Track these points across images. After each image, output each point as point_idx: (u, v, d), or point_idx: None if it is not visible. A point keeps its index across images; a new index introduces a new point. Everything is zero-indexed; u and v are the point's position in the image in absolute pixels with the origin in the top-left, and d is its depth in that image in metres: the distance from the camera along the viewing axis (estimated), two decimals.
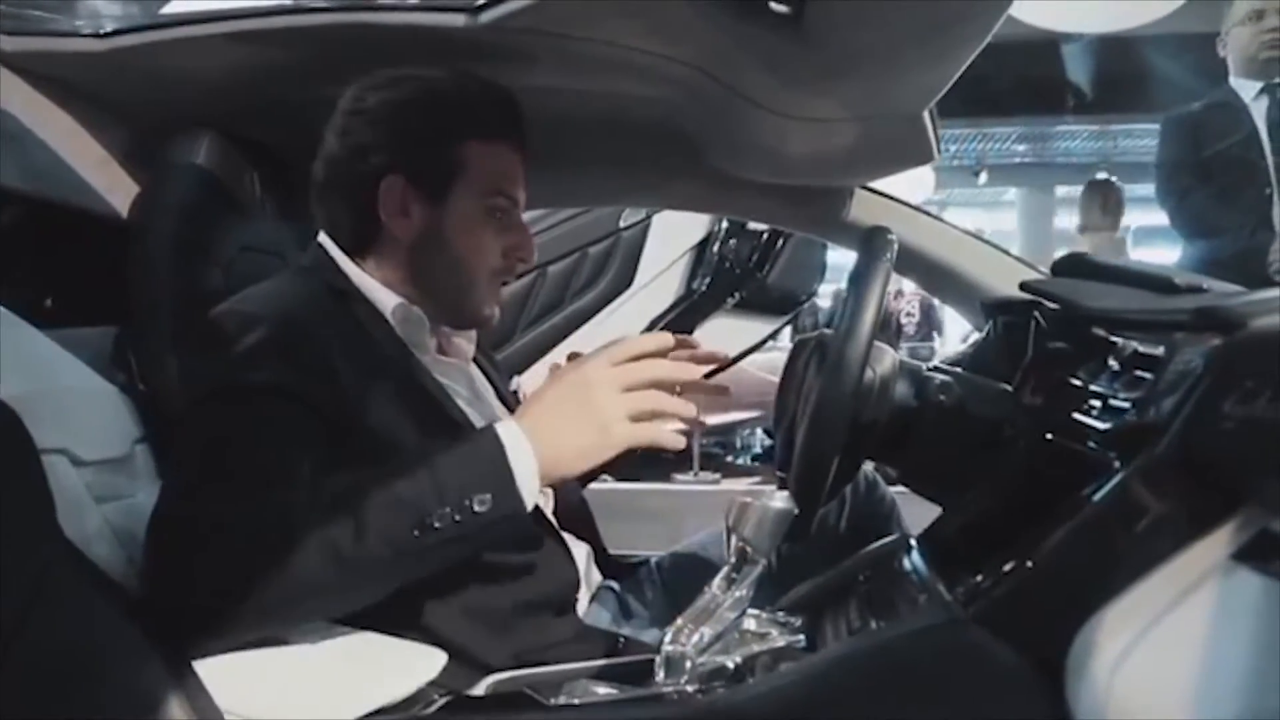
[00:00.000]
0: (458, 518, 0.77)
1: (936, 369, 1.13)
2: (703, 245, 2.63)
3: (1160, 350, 0.82)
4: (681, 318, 2.63)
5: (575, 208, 2.40)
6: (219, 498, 0.78)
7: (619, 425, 0.82)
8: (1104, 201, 3.75)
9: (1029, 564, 0.77)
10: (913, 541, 1.05)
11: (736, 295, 2.69)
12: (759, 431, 3.52)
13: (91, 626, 0.67)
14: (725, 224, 2.62)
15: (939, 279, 1.53)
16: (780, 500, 0.89)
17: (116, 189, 1.16)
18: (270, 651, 0.77)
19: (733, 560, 0.90)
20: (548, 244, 2.43)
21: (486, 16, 1.01)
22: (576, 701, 0.89)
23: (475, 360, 1.14)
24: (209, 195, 1.15)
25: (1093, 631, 0.68)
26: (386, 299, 1.00)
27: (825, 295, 5.64)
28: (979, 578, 0.83)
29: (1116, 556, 0.69)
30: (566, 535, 1.10)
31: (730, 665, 0.87)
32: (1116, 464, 0.77)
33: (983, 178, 9.78)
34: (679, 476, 2.55)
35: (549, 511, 1.09)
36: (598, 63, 1.09)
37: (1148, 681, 0.65)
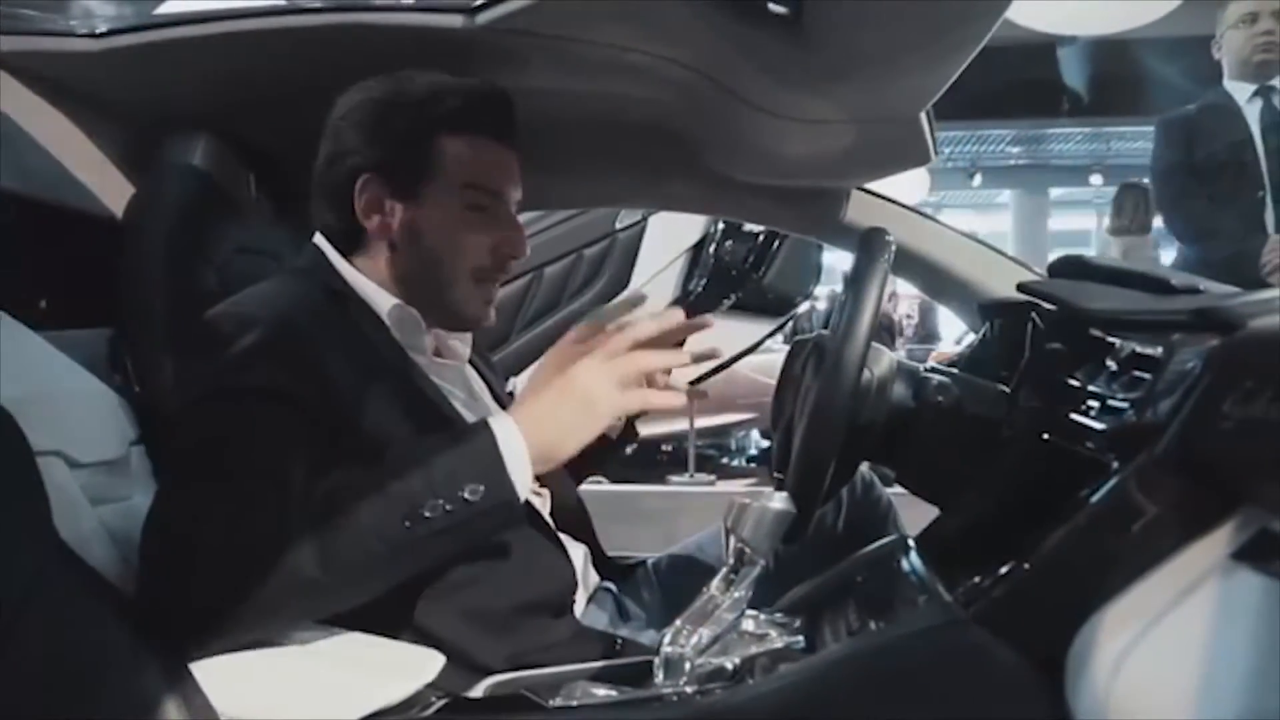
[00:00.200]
0: (449, 507, 0.76)
1: (934, 370, 1.13)
2: (699, 247, 2.63)
3: (1158, 351, 0.82)
4: None
5: (571, 209, 2.40)
6: (213, 500, 0.77)
7: (605, 395, 0.82)
8: (1136, 204, 3.78)
9: (1028, 564, 0.77)
10: (911, 542, 1.05)
11: (733, 297, 2.69)
12: (754, 433, 3.52)
13: (87, 628, 0.66)
14: (721, 225, 2.62)
15: (936, 281, 1.53)
16: (779, 501, 0.90)
17: (111, 189, 1.15)
18: (267, 653, 0.77)
19: (731, 561, 0.90)
20: (544, 245, 2.43)
21: (483, 18, 1.01)
22: (575, 703, 0.88)
23: (471, 362, 1.14)
24: (205, 196, 1.15)
25: (1092, 631, 0.68)
26: (383, 301, 1.00)
27: (820, 297, 5.66)
28: (978, 578, 0.83)
29: (1116, 557, 0.69)
30: (564, 536, 1.10)
31: (729, 666, 0.87)
32: (1115, 464, 0.77)
33: (977, 180, 9.82)
34: (675, 478, 2.55)
35: (546, 513, 1.09)
36: (595, 64, 1.09)
37: (1148, 681, 0.65)
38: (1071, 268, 1.14)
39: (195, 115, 1.17)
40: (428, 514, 0.76)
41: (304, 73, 1.08)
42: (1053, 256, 1.60)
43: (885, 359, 1.09)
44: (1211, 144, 2.36)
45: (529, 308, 2.41)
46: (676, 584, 1.22)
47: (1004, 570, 0.80)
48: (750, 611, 0.93)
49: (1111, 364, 0.90)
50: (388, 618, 0.85)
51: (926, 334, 6.68)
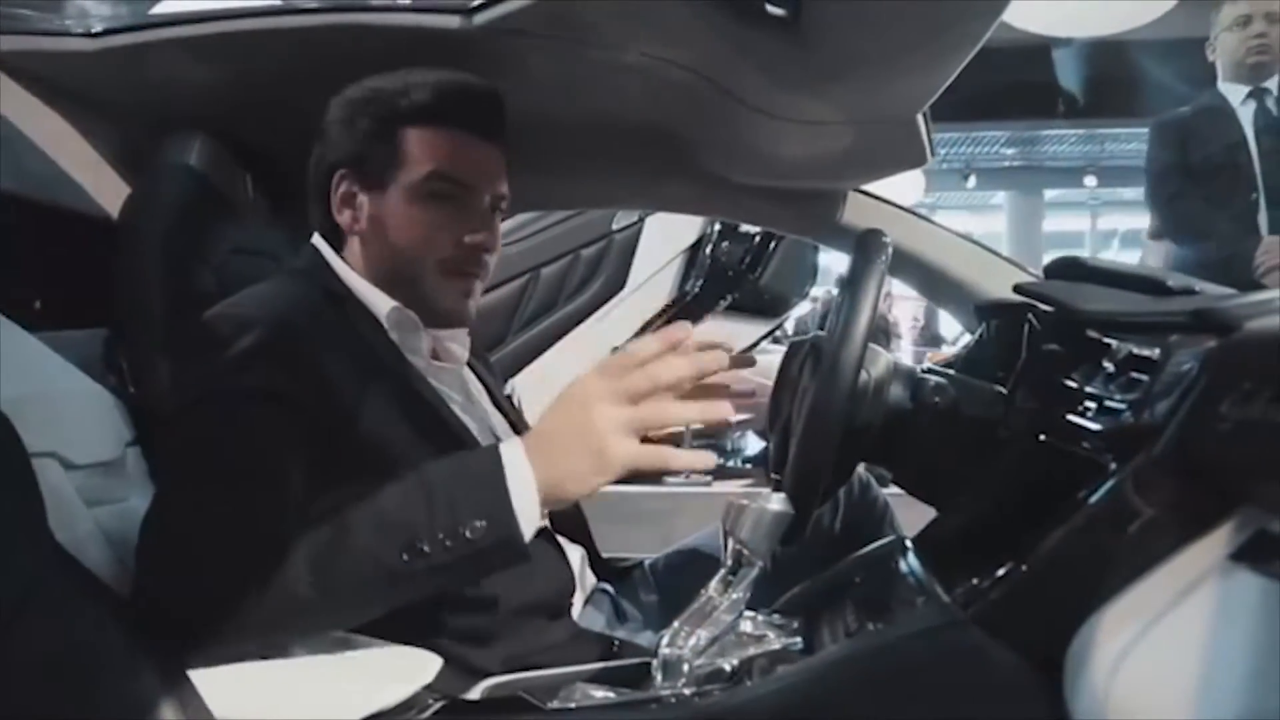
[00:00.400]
0: (449, 543, 0.73)
1: (931, 371, 1.13)
2: (696, 248, 2.63)
3: (1155, 352, 0.82)
4: (674, 320, 2.63)
5: (568, 210, 2.40)
6: (210, 503, 0.77)
7: (617, 446, 0.74)
8: None
9: (1026, 565, 0.77)
10: (909, 543, 1.05)
11: (729, 297, 2.69)
12: (750, 434, 3.52)
13: (83, 631, 0.66)
14: (718, 226, 2.63)
15: (932, 282, 1.53)
16: (776, 502, 0.90)
17: (106, 190, 1.15)
18: None
19: (729, 563, 0.90)
20: (540, 246, 2.43)
21: (481, 18, 1.01)
22: (573, 705, 0.88)
23: (470, 364, 1.14)
24: (201, 196, 1.15)
25: (1091, 632, 0.68)
26: (381, 303, 1.00)
27: (818, 298, 5.66)
28: (976, 579, 0.83)
29: (1114, 557, 0.69)
30: (560, 538, 1.10)
31: (727, 668, 0.87)
32: (1113, 465, 0.77)
33: (972, 181, 9.84)
34: (671, 479, 2.54)
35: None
36: (592, 65, 1.09)
37: (1146, 682, 0.65)
38: (1068, 269, 1.14)
39: (191, 115, 1.17)
40: (425, 548, 0.73)
41: (300, 73, 1.07)
42: (1047, 258, 1.60)
43: (882, 360, 1.09)
44: (1206, 146, 2.37)
45: (526, 308, 2.41)
46: (674, 585, 1.21)
47: (1002, 571, 0.80)
48: (748, 613, 0.93)
49: (1108, 365, 0.90)
50: (385, 620, 0.84)
51: (932, 336, 6.69)
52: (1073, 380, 0.94)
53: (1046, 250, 9.78)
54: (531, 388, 2.29)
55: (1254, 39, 2.35)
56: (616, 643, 1.03)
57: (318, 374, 0.88)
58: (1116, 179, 9.70)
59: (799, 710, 0.78)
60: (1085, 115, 6.98)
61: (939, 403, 1.07)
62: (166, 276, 1.09)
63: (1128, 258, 9.45)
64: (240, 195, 1.23)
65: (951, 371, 1.16)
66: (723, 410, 0.75)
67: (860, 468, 1.30)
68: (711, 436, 3.10)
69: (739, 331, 2.72)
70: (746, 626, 0.93)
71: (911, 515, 1.23)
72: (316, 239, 1.04)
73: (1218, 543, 0.65)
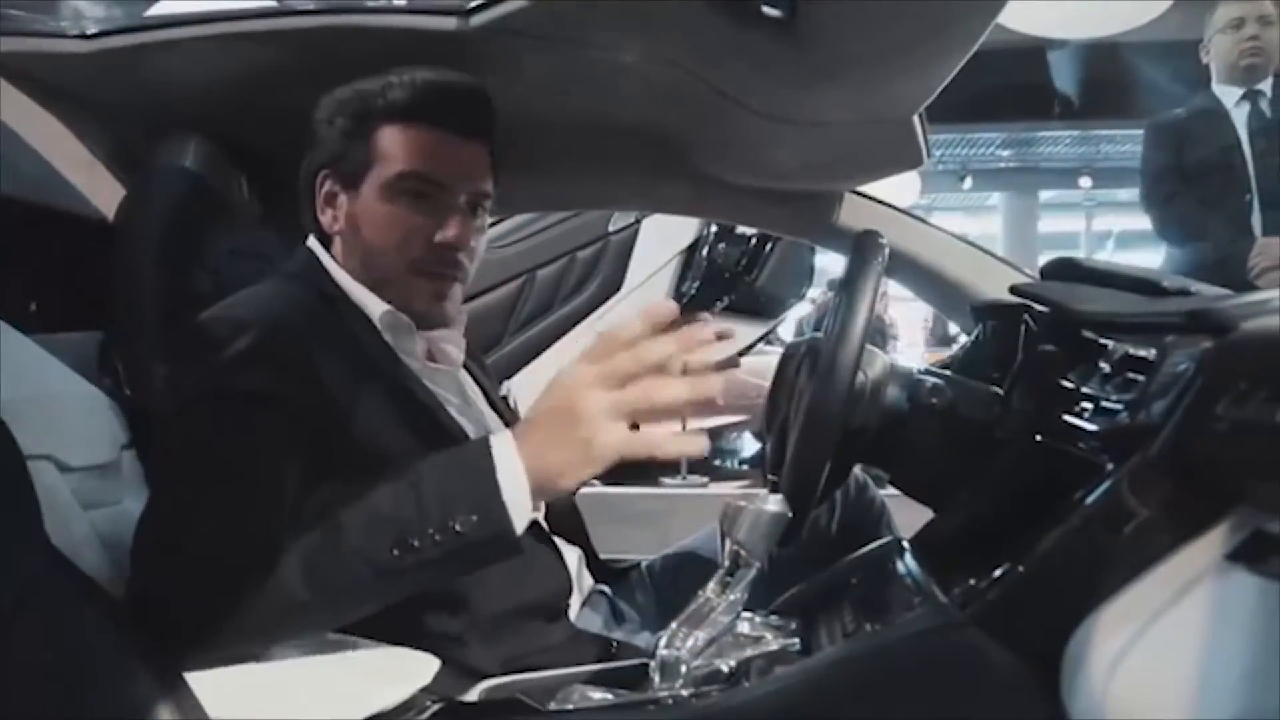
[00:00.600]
0: (439, 537, 0.72)
1: (927, 372, 1.13)
2: (692, 249, 2.63)
3: (1151, 353, 0.82)
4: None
5: (564, 211, 2.40)
6: (206, 506, 0.77)
7: (605, 433, 0.71)
8: None
9: (1023, 566, 0.77)
10: (906, 544, 1.05)
11: (725, 299, 2.69)
12: (746, 435, 3.52)
13: (79, 634, 0.66)
14: (714, 228, 2.63)
15: (928, 283, 1.54)
16: (774, 503, 0.90)
17: (101, 191, 1.15)
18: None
19: (727, 564, 0.90)
20: (537, 248, 2.43)
21: (477, 19, 1.01)
22: (570, 707, 0.88)
23: (466, 366, 1.14)
24: (197, 199, 1.14)
25: (1088, 632, 0.68)
26: (373, 305, 0.99)
27: (813, 300, 5.67)
28: (973, 580, 0.83)
29: (1111, 558, 0.69)
30: (557, 539, 1.10)
31: (725, 669, 0.87)
32: (1109, 466, 0.77)
33: (967, 182, 9.85)
34: (667, 480, 2.54)
35: (540, 516, 1.09)
36: (587, 66, 1.09)
37: (1144, 682, 0.65)
38: (1064, 270, 1.14)
39: (187, 117, 1.16)
40: (416, 543, 0.72)
41: (297, 75, 1.07)
42: (1042, 259, 1.60)
43: (879, 361, 1.09)
44: (1200, 147, 2.38)
45: (522, 310, 2.41)
46: (671, 587, 1.21)
47: (999, 572, 0.80)
48: (746, 614, 0.93)
49: (1104, 366, 0.90)
50: (382, 621, 0.84)
51: (943, 336, 6.67)
52: (1069, 381, 0.94)
53: (1042, 251, 9.79)
54: (528, 390, 2.29)
55: (1247, 41, 2.36)
56: (614, 644, 1.03)
57: (313, 376, 0.88)
58: (1111, 180, 9.71)
59: (797, 711, 0.78)
60: (1080, 117, 7.00)
61: (936, 404, 1.07)
62: (162, 278, 1.09)
63: (1123, 259, 9.49)
64: (236, 197, 1.22)
65: (948, 372, 1.17)
66: (711, 386, 0.72)
67: (857, 469, 1.30)
68: (709, 439, 3.10)
69: (735, 333, 2.72)
70: (744, 627, 0.93)
71: (908, 516, 1.23)
72: (311, 241, 1.04)
73: (1214, 543, 0.65)
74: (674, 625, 0.87)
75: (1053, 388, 0.96)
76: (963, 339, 1.60)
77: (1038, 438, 0.97)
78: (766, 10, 0.89)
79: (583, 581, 1.16)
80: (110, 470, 0.95)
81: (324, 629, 0.80)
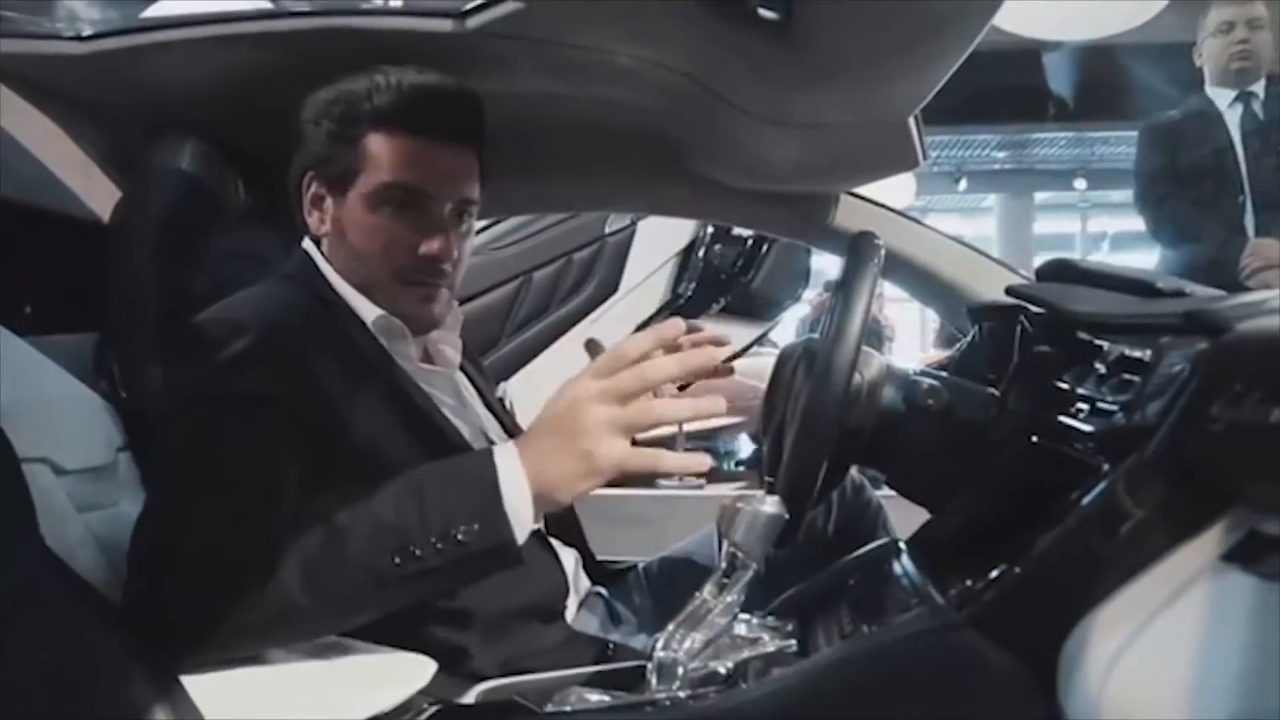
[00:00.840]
0: (440, 546, 0.73)
1: (923, 373, 1.13)
2: (688, 251, 2.63)
3: (1147, 354, 0.82)
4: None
5: (561, 213, 2.40)
6: (203, 509, 0.77)
7: (607, 447, 0.73)
8: None
9: (1020, 567, 0.77)
10: (902, 545, 1.05)
11: (721, 300, 2.69)
12: (742, 436, 3.52)
13: (74, 636, 0.65)
14: (710, 229, 2.63)
15: (923, 284, 1.54)
16: (771, 505, 0.90)
17: (97, 193, 1.14)
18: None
19: (724, 565, 0.90)
20: (533, 250, 2.43)
21: (473, 22, 1.01)
22: (568, 709, 0.88)
23: (462, 367, 1.14)
24: (193, 200, 1.14)
25: (1085, 633, 0.68)
26: (367, 310, 0.99)
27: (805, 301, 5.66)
28: (970, 581, 0.83)
29: (1107, 559, 0.70)
30: (554, 541, 1.10)
31: (722, 671, 0.87)
32: (1105, 467, 0.77)
33: (962, 184, 9.86)
34: (663, 482, 2.54)
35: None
36: (584, 68, 1.09)
37: (1140, 682, 0.65)
38: (1059, 271, 1.14)
39: (183, 119, 1.16)
40: (418, 552, 0.73)
41: (293, 76, 1.07)
42: (1037, 260, 1.61)
43: (875, 363, 1.09)
44: (1194, 149, 2.39)
45: (519, 312, 2.41)
46: (667, 588, 1.21)
47: (996, 573, 0.81)
48: (743, 615, 0.93)
49: (1100, 367, 0.90)
50: (378, 624, 0.84)
51: (949, 337, 6.66)
52: (1065, 382, 0.95)
53: (1036, 252, 9.81)
54: (524, 391, 2.29)
55: (1236, 45, 2.38)
56: (611, 646, 1.03)
57: (309, 378, 0.88)
58: (1106, 182, 9.73)
59: (794, 713, 0.78)
60: (1075, 118, 7.00)
61: (932, 405, 1.07)
62: (158, 280, 1.09)
63: (1118, 260, 9.51)
64: (232, 199, 1.22)
65: (944, 374, 1.17)
66: (715, 406, 0.73)
67: (854, 470, 1.30)
68: (704, 439, 3.10)
69: (731, 335, 2.72)
70: (741, 629, 0.93)
71: (905, 517, 1.23)
72: (307, 242, 1.04)
73: (1209, 543, 0.65)
74: (671, 627, 0.87)
75: (1048, 389, 0.97)
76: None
77: (1034, 439, 0.97)
78: (762, 12, 0.89)
79: (579, 583, 1.16)
80: (106, 473, 0.95)
81: (322, 634, 0.80)
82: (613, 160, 1.40)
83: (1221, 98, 2.41)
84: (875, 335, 5.82)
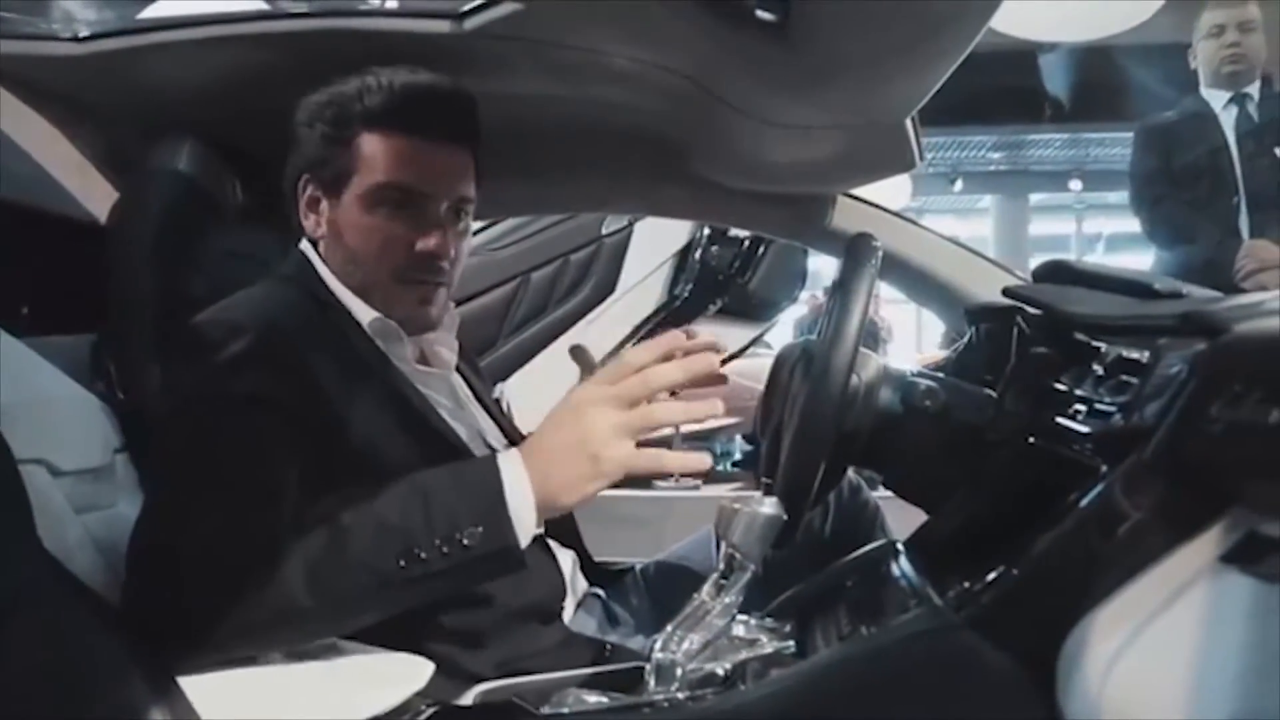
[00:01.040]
0: (445, 550, 0.74)
1: (921, 375, 1.14)
2: (685, 252, 2.63)
3: (1144, 355, 0.83)
4: (664, 324, 2.63)
5: (558, 214, 2.40)
6: (201, 510, 0.76)
7: (613, 450, 0.75)
8: None
9: (1018, 568, 0.78)
10: (900, 547, 1.05)
11: (718, 302, 2.70)
12: (738, 437, 3.52)
13: (73, 638, 0.65)
14: (707, 231, 2.63)
15: (922, 285, 1.54)
16: (769, 506, 0.90)
17: (93, 194, 1.14)
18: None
19: (722, 566, 0.90)
20: (530, 250, 2.42)
21: (471, 23, 1.01)
22: (565, 710, 0.88)
23: (459, 368, 1.14)
24: (190, 201, 1.14)
25: (1084, 634, 0.68)
26: (363, 312, 0.99)
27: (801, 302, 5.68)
28: (968, 582, 0.84)
29: (1105, 560, 0.70)
30: (551, 542, 1.09)
31: (720, 672, 0.87)
32: (1103, 468, 0.77)
33: (958, 185, 9.89)
34: (660, 483, 2.54)
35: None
36: (582, 69, 1.09)
37: (1139, 683, 0.65)
38: (1056, 272, 1.14)
39: (180, 120, 1.16)
40: (423, 555, 0.73)
41: (290, 78, 1.07)
42: (1033, 261, 1.61)
43: (873, 364, 1.09)
44: (1189, 150, 2.40)
45: (516, 313, 2.41)
46: (665, 590, 1.21)
47: (994, 574, 0.81)
48: (741, 616, 0.93)
49: (1097, 368, 0.91)
50: (377, 625, 0.84)
51: (953, 338, 6.65)
52: (1062, 383, 0.95)
53: (1032, 253, 9.84)
54: (521, 392, 2.29)
55: (1228, 48, 2.38)
56: (608, 647, 1.03)
57: (306, 379, 0.88)
58: (1101, 183, 9.77)
59: (792, 714, 0.78)
60: (1071, 120, 7.03)
61: (929, 406, 1.07)
62: (155, 281, 1.09)
63: (1113, 261, 9.53)
64: (229, 200, 1.22)
65: (941, 375, 1.17)
66: (713, 407, 0.76)
67: (851, 471, 1.30)
68: (701, 439, 3.11)
69: (728, 336, 2.73)
70: (739, 630, 0.93)
71: (903, 519, 1.23)
72: (304, 245, 1.04)
73: (1208, 544, 0.65)
74: (669, 628, 0.87)
75: (1046, 390, 0.97)
76: None
77: (1031, 440, 0.97)
78: (760, 14, 0.89)
79: (577, 584, 1.16)
80: (103, 474, 0.94)
81: (322, 636, 0.80)
82: (611, 161, 1.40)
83: (1216, 99, 2.42)
84: (871, 336, 5.82)
